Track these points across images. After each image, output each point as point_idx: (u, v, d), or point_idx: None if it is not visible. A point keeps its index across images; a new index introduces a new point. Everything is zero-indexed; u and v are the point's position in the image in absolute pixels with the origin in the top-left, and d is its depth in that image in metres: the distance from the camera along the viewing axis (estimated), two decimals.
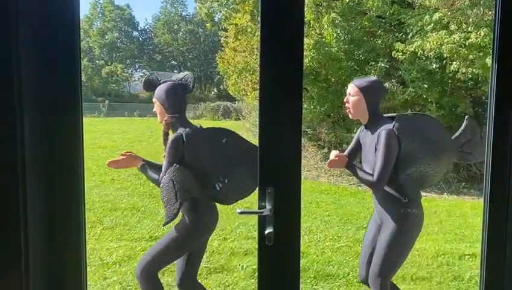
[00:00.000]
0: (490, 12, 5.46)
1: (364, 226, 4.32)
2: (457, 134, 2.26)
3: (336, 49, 6.82)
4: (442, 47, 5.80)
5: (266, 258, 1.49)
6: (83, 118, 1.41)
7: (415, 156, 2.10)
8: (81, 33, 1.37)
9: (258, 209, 1.46)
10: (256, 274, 1.77)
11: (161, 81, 2.14)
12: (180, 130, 2.05)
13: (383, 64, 6.63)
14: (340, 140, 7.16)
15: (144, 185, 5.62)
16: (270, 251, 1.47)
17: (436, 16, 5.93)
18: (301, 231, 1.51)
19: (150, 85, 2.15)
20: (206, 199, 2.12)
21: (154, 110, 2.17)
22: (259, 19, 1.45)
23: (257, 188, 1.49)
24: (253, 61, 7.55)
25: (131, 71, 14.39)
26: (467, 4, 5.72)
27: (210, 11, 10.16)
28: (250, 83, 7.84)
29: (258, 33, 2.03)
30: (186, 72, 2.16)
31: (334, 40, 6.77)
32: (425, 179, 2.17)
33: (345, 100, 2.25)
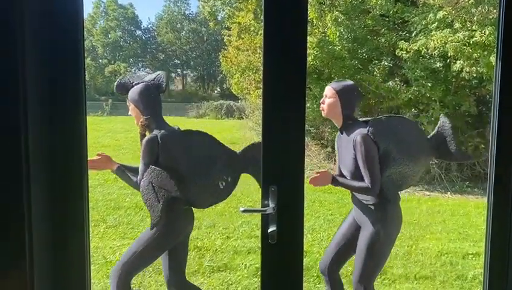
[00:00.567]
0: (495, 11, 5.42)
1: None
2: (432, 133, 2.30)
3: (339, 47, 6.78)
4: (446, 45, 5.75)
5: (269, 257, 1.50)
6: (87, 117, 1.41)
7: (393, 158, 2.13)
8: (85, 32, 1.38)
9: (261, 207, 1.46)
10: (259, 273, 1.77)
11: (133, 84, 2.11)
12: (155, 132, 2.05)
13: (386, 63, 6.60)
14: None
15: None
16: (273, 249, 1.47)
17: (440, 14, 5.89)
18: (304, 230, 1.51)
19: (123, 88, 2.12)
20: (181, 202, 2.10)
21: (129, 113, 2.14)
22: (262, 17, 1.45)
23: (258, 188, 1.49)
24: (256, 60, 7.53)
25: (135, 70, 14.41)
26: (472, 2, 5.67)
27: (213, 10, 10.16)
28: (253, 81, 7.83)
29: (261, 32, 2.03)
30: (158, 72, 2.14)
31: (337, 39, 6.73)
32: (405, 179, 2.20)
33: (320, 101, 2.28)
